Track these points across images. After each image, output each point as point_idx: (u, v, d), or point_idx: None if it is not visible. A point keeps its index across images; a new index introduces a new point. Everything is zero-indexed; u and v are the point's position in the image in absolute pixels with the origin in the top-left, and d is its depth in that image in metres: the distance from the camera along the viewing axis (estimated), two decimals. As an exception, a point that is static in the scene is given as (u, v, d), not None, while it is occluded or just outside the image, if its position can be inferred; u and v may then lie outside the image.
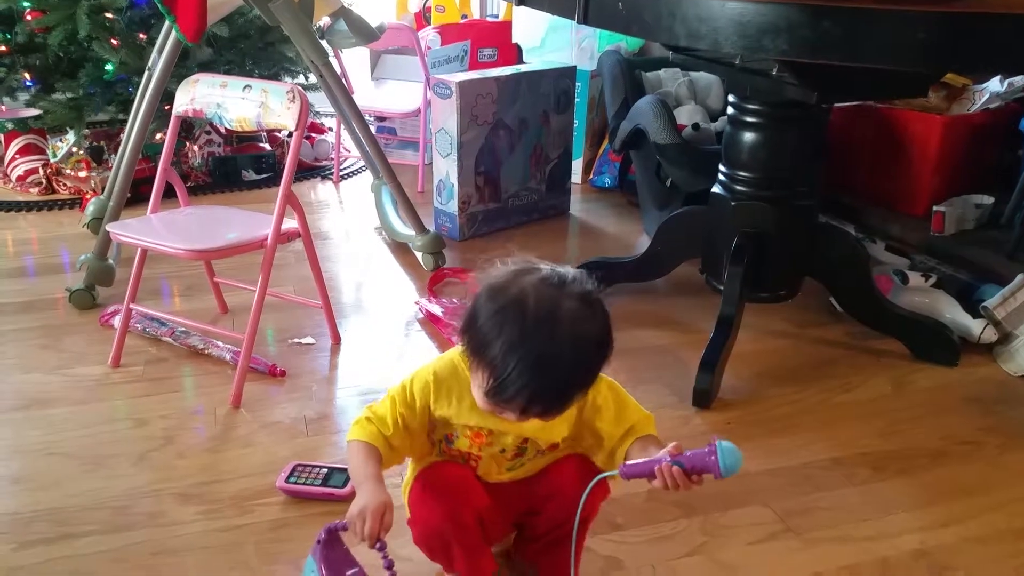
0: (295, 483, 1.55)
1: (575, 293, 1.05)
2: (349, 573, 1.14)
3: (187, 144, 3.40)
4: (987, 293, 2.15)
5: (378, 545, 1.05)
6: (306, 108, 1.87)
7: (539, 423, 1.13)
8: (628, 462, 1.12)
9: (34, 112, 3.12)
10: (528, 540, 1.31)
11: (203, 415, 1.84)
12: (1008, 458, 1.70)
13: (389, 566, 1.05)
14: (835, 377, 2.01)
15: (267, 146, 3.51)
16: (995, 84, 2.74)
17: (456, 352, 1.18)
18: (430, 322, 2.26)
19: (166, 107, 2.49)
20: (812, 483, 1.61)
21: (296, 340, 2.17)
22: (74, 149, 3.27)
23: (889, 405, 1.90)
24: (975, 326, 2.10)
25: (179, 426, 1.80)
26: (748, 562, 1.39)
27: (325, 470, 1.58)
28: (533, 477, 1.26)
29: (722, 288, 2.03)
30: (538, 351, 1.02)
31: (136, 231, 1.94)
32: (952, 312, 2.15)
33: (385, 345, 2.19)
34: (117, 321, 2.07)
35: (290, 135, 1.92)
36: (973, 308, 2.14)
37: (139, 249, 1.98)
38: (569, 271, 1.08)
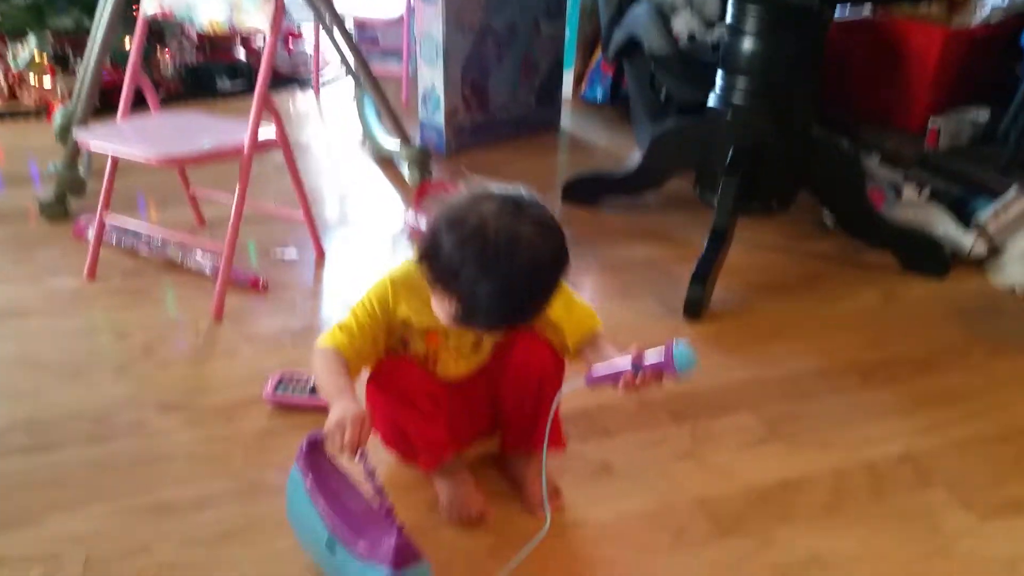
0: (282, 393, 1.53)
1: (532, 218, 1.08)
2: (334, 480, 1.13)
3: (158, 52, 3.27)
4: (980, 207, 2.12)
5: (358, 455, 1.04)
6: (281, 8, 1.78)
7: None
8: (593, 372, 1.15)
9: (-11, 16, 2.99)
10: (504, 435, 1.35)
11: (184, 327, 1.80)
12: (993, 366, 1.70)
13: (371, 472, 1.03)
14: (825, 289, 2.00)
15: (242, 57, 3.39)
16: (997, -5, 2.66)
17: (408, 262, 1.22)
18: (415, 237, 2.21)
19: (134, 8, 2.37)
20: (800, 391, 1.60)
21: (279, 252, 2.12)
22: (36, 52, 3.12)
23: (878, 316, 1.89)
24: (967, 239, 2.09)
25: (160, 338, 1.76)
26: (737, 466, 1.39)
27: (312, 380, 1.55)
28: (490, 368, 1.30)
29: (715, 202, 2.00)
30: (502, 280, 1.06)
31: (105, 137, 1.86)
32: (944, 226, 2.13)
33: (370, 259, 2.14)
34: (91, 233, 2.01)
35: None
36: (965, 222, 2.12)
37: (109, 157, 1.90)
38: (524, 194, 1.11)
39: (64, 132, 2.46)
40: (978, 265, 2.07)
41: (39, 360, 1.67)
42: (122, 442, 1.44)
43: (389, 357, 1.26)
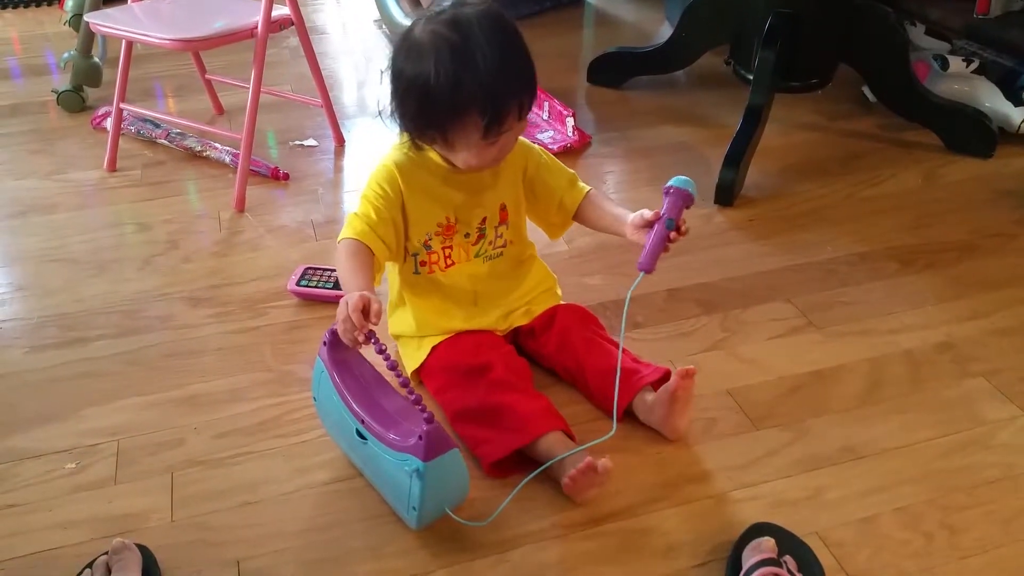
0: (306, 286, 1.52)
1: (479, 8, 1.09)
2: (358, 370, 1.11)
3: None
4: (1032, 80, 2.01)
5: (372, 339, 1.00)
6: None
7: (492, 191, 1.24)
8: (642, 259, 1.13)
9: None
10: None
11: (207, 219, 1.78)
12: (1040, 250, 1.64)
13: (381, 351, 1.00)
14: (864, 171, 1.92)
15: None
16: None
17: (395, 147, 1.23)
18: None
19: None
20: (836, 278, 1.56)
21: (298, 142, 2.08)
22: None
23: (919, 198, 1.82)
24: (1016, 114, 1.99)
25: (183, 230, 1.74)
26: (768, 356, 1.37)
27: (336, 272, 1.53)
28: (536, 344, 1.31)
29: (750, 77, 1.90)
30: (495, 57, 1.05)
31: (118, 21, 1.80)
32: (992, 100, 2.03)
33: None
34: (109, 123, 1.97)
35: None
36: (1015, 96, 2.01)
37: (123, 42, 1.84)
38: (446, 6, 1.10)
39: (76, 18, 2.39)
40: (1027, 142, 1.98)
41: (66, 255, 1.67)
42: (152, 335, 1.44)
43: (443, 346, 1.26)
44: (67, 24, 2.57)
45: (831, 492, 1.12)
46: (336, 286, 1.50)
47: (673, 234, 1.13)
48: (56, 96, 2.24)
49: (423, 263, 1.26)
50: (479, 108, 1.07)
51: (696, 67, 2.28)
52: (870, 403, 1.27)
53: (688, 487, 1.13)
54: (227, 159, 1.95)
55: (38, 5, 2.98)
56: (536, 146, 1.31)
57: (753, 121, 1.83)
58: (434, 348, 1.27)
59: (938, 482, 1.13)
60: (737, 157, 1.79)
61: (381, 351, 1.00)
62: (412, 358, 1.30)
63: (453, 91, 1.06)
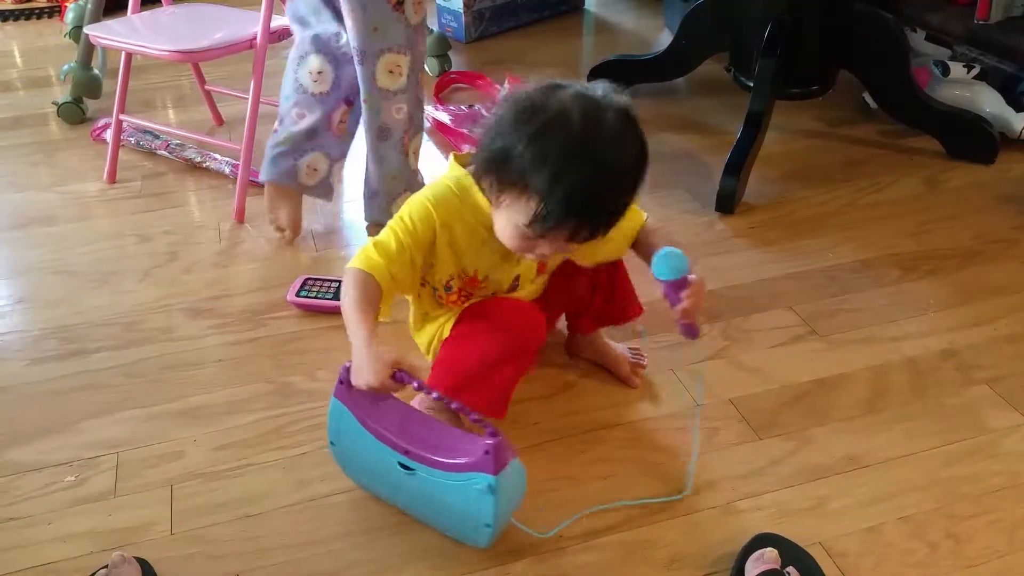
0: (306, 297, 1.51)
1: (614, 107, 0.99)
2: (381, 402, 1.05)
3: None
4: (1032, 85, 2.00)
5: (405, 382, 0.97)
6: None
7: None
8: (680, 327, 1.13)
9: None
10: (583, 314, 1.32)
11: (207, 230, 1.78)
12: (1043, 257, 1.63)
13: (420, 387, 0.97)
14: (865, 177, 1.91)
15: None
16: None
17: (449, 179, 1.13)
18: (437, 131, 2.14)
19: None
20: (838, 285, 1.55)
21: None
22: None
23: (920, 205, 1.82)
24: (1017, 120, 1.98)
25: (183, 241, 1.74)
26: (771, 364, 1.36)
27: (336, 284, 1.53)
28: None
29: (751, 84, 1.90)
30: (589, 167, 0.96)
31: (118, 33, 1.80)
32: (993, 105, 2.02)
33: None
34: (109, 135, 1.97)
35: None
36: (1016, 101, 2.00)
37: (123, 54, 1.85)
38: (598, 84, 1.01)
39: (77, 30, 2.39)
40: (1028, 148, 1.97)
41: (66, 267, 1.67)
42: (152, 347, 1.44)
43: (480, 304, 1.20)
44: (67, 36, 2.58)
45: (835, 502, 1.11)
46: (336, 296, 1.50)
47: (681, 316, 1.10)
48: (56, 108, 2.24)
49: (441, 298, 1.21)
50: (540, 192, 0.97)
51: (696, 74, 2.28)
52: (873, 411, 1.26)
53: (690, 497, 1.12)
54: (227, 170, 1.95)
55: (39, 18, 2.98)
56: None
57: (754, 128, 1.83)
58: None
59: (942, 491, 1.12)
60: (738, 164, 1.78)
61: (420, 387, 0.98)
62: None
63: (525, 179, 0.97)
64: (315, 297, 1.51)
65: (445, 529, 1.06)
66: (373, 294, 1.06)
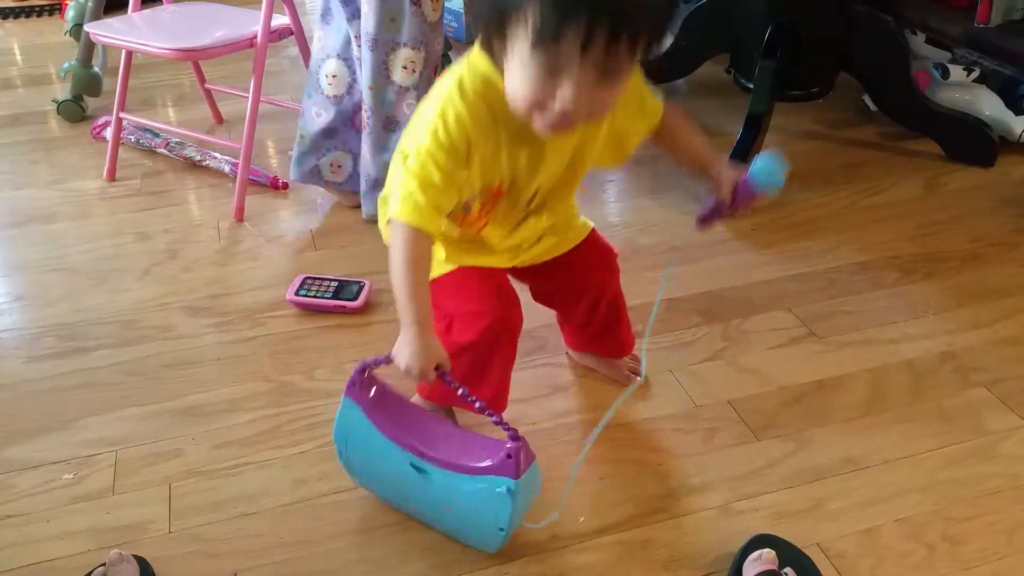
0: (305, 296, 1.51)
1: None
2: (394, 403, 1.05)
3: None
4: (1032, 88, 2.01)
5: (447, 381, 0.96)
6: None
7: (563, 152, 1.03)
8: (698, 216, 1.13)
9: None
10: (577, 329, 1.32)
11: (206, 228, 1.78)
12: (1042, 260, 1.64)
13: (462, 393, 0.97)
14: (865, 179, 1.91)
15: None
16: None
17: (455, 74, 0.96)
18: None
19: None
20: (838, 287, 1.55)
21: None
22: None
23: (920, 207, 1.82)
24: (1016, 123, 1.99)
25: (182, 240, 1.74)
26: (770, 365, 1.36)
27: (335, 283, 1.53)
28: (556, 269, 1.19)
29: (751, 86, 1.90)
30: None
31: (118, 31, 1.80)
32: (993, 108, 2.02)
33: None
34: (109, 133, 1.97)
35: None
36: (1016, 104, 2.01)
37: (124, 52, 1.85)
38: None
39: (77, 28, 2.39)
40: (1028, 151, 1.98)
41: (66, 265, 1.67)
42: (151, 346, 1.44)
43: (460, 271, 1.10)
44: (68, 34, 2.58)
45: (832, 503, 1.11)
46: (335, 296, 1.50)
47: (726, 210, 1.10)
48: (56, 106, 2.24)
49: (454, 219, 1.07)
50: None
51: (696, 76, 2.28)
52: (872, 413, 1.26)
53: (689, 498, 1.12)
54: (226, 168, 1.95)
55: (39, 15, 2.98)
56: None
57: (753, 130, 1.83)
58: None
59: (940, 493, 1.12)
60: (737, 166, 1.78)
61: (463, 394, 0.97)
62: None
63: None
64: (314, 296, 1.51)
65: (455, 534, 1.06)
66: (425, 252, 0.95)
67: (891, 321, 1.46)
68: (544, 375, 1.35)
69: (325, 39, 1.66)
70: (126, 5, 1.90)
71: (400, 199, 0.94)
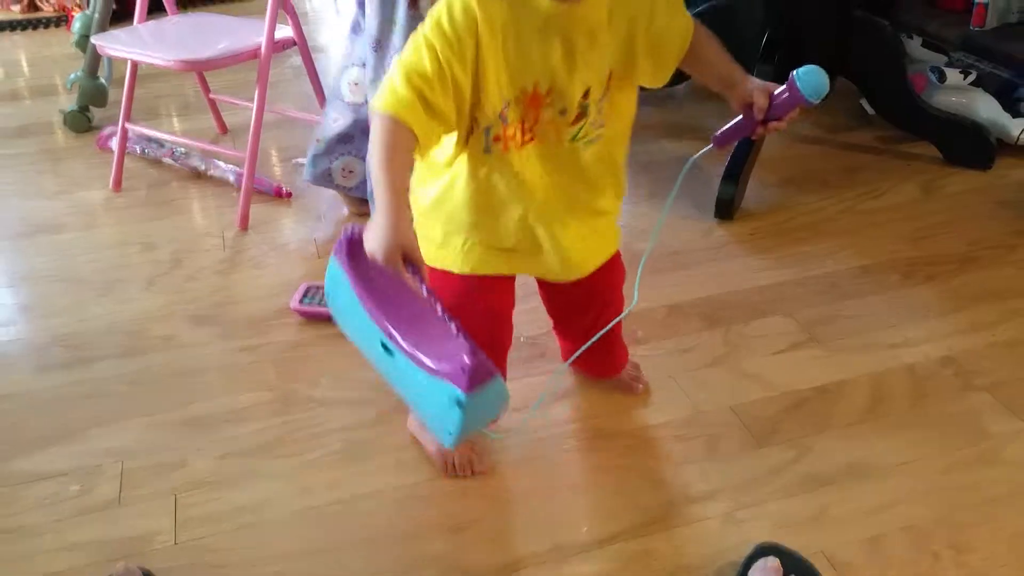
0: (309, 304, 1.52)
1: None
2: (378, 276, 0.95)
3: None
4: (1030, 91, 2.01)
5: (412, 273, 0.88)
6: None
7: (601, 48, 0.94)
8: (718, 133, 1.07)
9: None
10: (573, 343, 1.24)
11: (211, 238, 1.79)
12: (1041, 262, 1.64)
13: (426, 290, 0.89)
14: (863, 183, 1.92)
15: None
16: None
17: None
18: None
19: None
20: (837, 291, 1.56)
21: (301, 160, 2.08)
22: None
23: (918, 210, 1.82)
24: (1014, 126, 1.99)
25: (187, 249, 1.75)
26: (770, 371, 1.37)
27: (338, 290, 1.54)
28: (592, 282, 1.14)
29: (749, 91, 1.90)
30: None
31: (124, 43, 1.82)
32: (989, 111, 2.03)
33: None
34: (114, 143, 1.98)
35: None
36: (1013, 107, 2.01)
37: (129, 63, 1.86)
38: None
39: (83, 39, 2.41)
40: (1025, 153, 1.98)
41: (73, 275, 1.68)
42: (156, 356, 1.45)
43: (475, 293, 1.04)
44: (74, 45, 2.59)
45: (836, 510, 1.11)
46: (339, 305, 1.51)
47: (761, 129, 1.03)
48: (63, 117, 2.25)
49: (497, 138, 0.96)
50: None
51: (695, 80, 2.29)
52: (873, 419, 1.27)
53: (691, 507, 1.13)
54: (231, 178, 1.96)
55: (46, 27, 3.00)
56: None
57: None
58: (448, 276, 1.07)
59: (944, 499, 1.13)
60: (736, 171, 1.79)
61: (427, 291, 0.89)
62: (429, 251, 1.04)
63: None
64: (318, 304, 1.52)
65: (416, 411, 1.04)
66: (403, 142, 0.88)
67: (891, 325, 1.47)
68: (544, 383, 1.35)
69: (352, 48, 1.68)
70: (132, 16, 1.92)
71: (382, 90, 0.88)
